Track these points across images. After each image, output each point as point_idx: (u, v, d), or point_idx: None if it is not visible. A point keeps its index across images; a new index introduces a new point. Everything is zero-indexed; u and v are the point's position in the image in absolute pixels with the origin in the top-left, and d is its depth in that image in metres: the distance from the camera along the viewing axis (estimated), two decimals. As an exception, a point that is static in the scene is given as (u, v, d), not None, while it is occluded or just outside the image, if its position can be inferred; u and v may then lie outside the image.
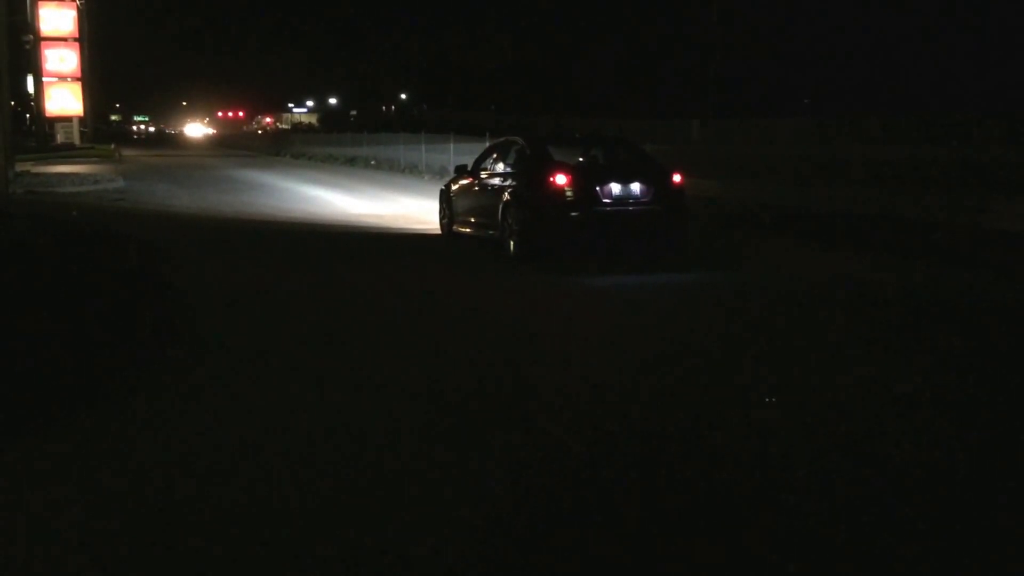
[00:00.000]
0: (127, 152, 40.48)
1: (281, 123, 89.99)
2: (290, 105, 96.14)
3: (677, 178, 10.04)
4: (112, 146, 40.75)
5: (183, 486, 3.74)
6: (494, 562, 3.14)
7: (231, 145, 58.33)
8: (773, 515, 3.51)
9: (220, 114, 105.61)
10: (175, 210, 16.54)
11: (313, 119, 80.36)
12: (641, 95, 47.03)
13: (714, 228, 13.18)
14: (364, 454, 4.13)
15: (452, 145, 25.12)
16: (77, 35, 41.47)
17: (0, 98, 18.89)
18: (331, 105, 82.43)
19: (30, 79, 42.40)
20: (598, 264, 9.79)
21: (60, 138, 41.04)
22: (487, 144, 14.42)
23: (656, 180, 9.92)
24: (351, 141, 37.19)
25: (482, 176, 11.32)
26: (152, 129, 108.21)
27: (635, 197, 9.78)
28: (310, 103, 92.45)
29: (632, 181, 9.79)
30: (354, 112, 66.94)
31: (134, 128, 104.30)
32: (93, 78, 46.21)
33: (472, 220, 11.42)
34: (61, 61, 41.03)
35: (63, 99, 41.27)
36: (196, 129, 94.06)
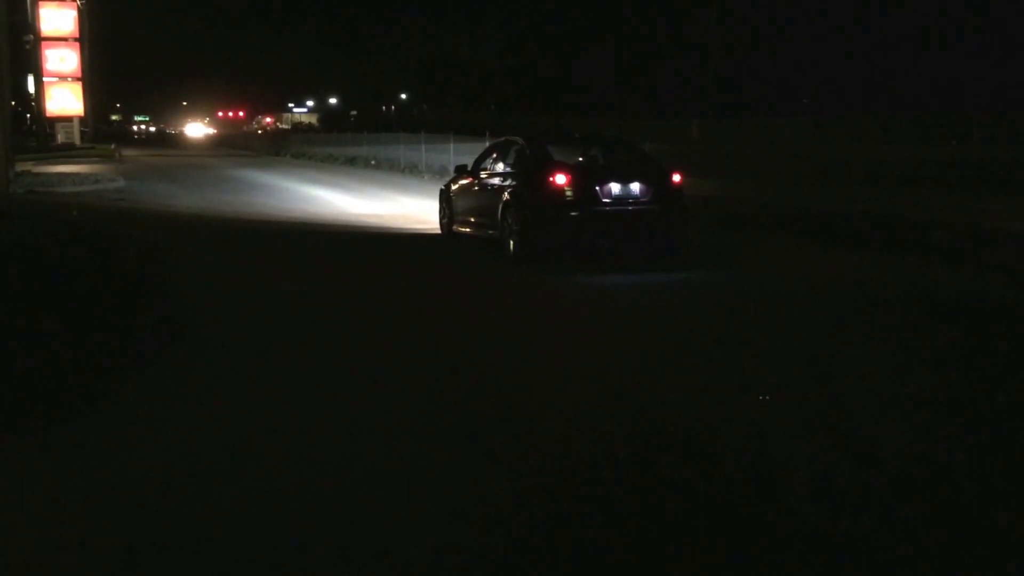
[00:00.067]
0: (127, 152, 40.50)
1: (281, 123, 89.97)
2: (290, 105, 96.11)
3: (677, 178, 10.04)
4: (112, 146, 40.77)
5: (183, 486, 3.74)
6: (494, 562, 3.15)
7: (231, 145, 58.34)
8: (773, 515, 3.51)
9: (220, 114, 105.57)
10: (175, 210, 16.55)
11: (313, 119, 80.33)
12: (641, 95, 47.01)
13: (714, 228, 13.18)
14: (364, 454, 4.13)
15: (452, 145, 25.12)
16: (78, 35, 41.49)
17: (1, 98, 18.90)
18: (331, 105, 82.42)
19: (31, 79, 42.45)
20: (598, 264, 9.80)
21: (60, 138, 41.05)
22: (487, 144, 14.42)
23: (656, 180, 9.92)
24: (351, 141, 37.18)
25: (482, 176, 11.32)
26: (152, 129, 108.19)
27: (635, 197, 9.78)
28: (310, 103, 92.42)
29: (632, 181, 9.80)
30: (354, 112, 66.95)
31: (134, 128, 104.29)
32: (94, 78, 46.24)
33: (472, 220, 11.43)
34: (61, 61, 41.05)
35: (63, 99, 41.29)
36: (197, 129, 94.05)
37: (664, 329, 6.94)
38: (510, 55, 47.83)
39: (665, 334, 6.75)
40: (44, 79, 40.66)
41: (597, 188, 9.67)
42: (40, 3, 39.99)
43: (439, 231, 12.60)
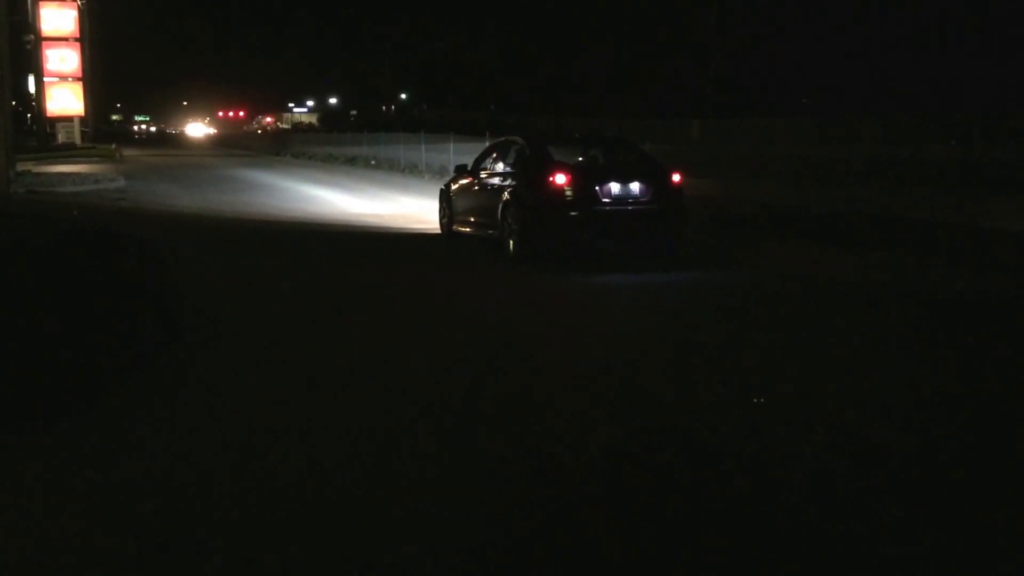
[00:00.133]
0: (128, 152, 40.52)
1: (281, 123, 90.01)
2: (290, 105, 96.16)
3: (676, 178, 10.05)
4: (113, 146, 40.80)
5: (183, 486, 3.75)
6: (494, 562, 3.15)
7: (232, 145, 58.35)
8: (773, 515, 3.52)
9: (221, 114, 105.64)
10: (176, 210, 16.55)
11: (313, 119, 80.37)
12: (641, 95, 47.04)
13: (713, 228, 13.18)
14: (365, 454, 4.13)
15: (452, 145, 25.13)
16: (78, 35, 41.53)
17: (1, 98, 18.91)
18: (331, 105, 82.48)
19: (31, 79, 42.47)
20: (598, 264, 9.80)
21: (61, 138, 41.08)
22: (487, 144, 14.43)
23: (655, 180, 9.93)
24: (351, 141, 37.20)
25: (482, 176, 11.33)
26: (153, 129, 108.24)
27: (634, 197, 9.79)
28: (310, 103, 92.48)
29: (631, 181, 9.80)
30: (354, 112, 66.99)
31: (135, 128, 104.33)
32: (94, 78, 46.28)
33: (472, 220, 11.43)
34: (62, 61, 41.08)
35: (64, 99, 41.32)
36: (197, 129, 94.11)
37: (664, 329, 6.95)
38: (510, 55, 47.83)
39: (665, 334, 6.75)
40: (45, 79, 40.70)
41: (597, 188, 9.67)
42: (41, 3, 40.02)
43: (439, 231, 12.60)
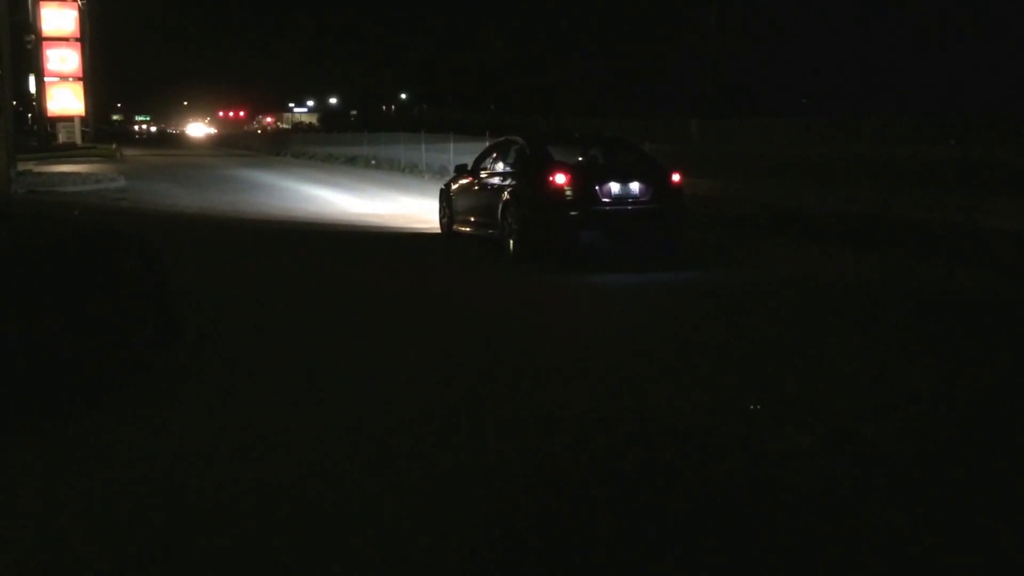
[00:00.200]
0: (129, 152, 40.56)
1: (282, 123, 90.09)
2: (291, 105, 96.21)
3: (676, 177, 10.06)
4: (113, 146, 40.84)
5: (183, 486, 3.76)
6: (495, 562, 3.16)
7: (232, 144, 58.37)
8: (773, 515, 3.53)
9: (221, 114, 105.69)
10: (176, 209, 16.56)
11: (313, 119, 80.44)
12: (641, 95, 47.04)
13: (713, 227, 13.19)
14: (365, 454, 4.14)
15: (452, 144, 25.14)
16: (79, 35, 41.54)
17: (2, 98, 18.92)
18: (331, 105, 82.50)
19: (32, 79, 42.48)
20: (597, 264, 9.81)
21: (62, 138, 41.09)
22: (487, 143, 14.45)
23: (655, 179, 9.94)
24: (351, 141, 37.21)
25: (482, 175, 11.34)
26: (154, 129, 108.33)
27: (634, 196, 9.80)
28: (310, 103, 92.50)
29: (631, 181, 9.81)
30: (354, 112, 67.02)
31: (135, 128, 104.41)
32: (95, 78, 46.32)
33: (472, 219, 11.44)
34: (63, 61, 41.09)
35: (65, 99, 41.33)
36: (198, 129, 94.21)
37: (664, 329, 6.96)
38: (510, 55, 47.83)
39: (665, 334, 6.76)
40: (45, 79, 40.71)
41: (597, 188, 9.68)
42: (41, 3, 40.03)
43: (439, 230, 12.62)
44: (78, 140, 41.05)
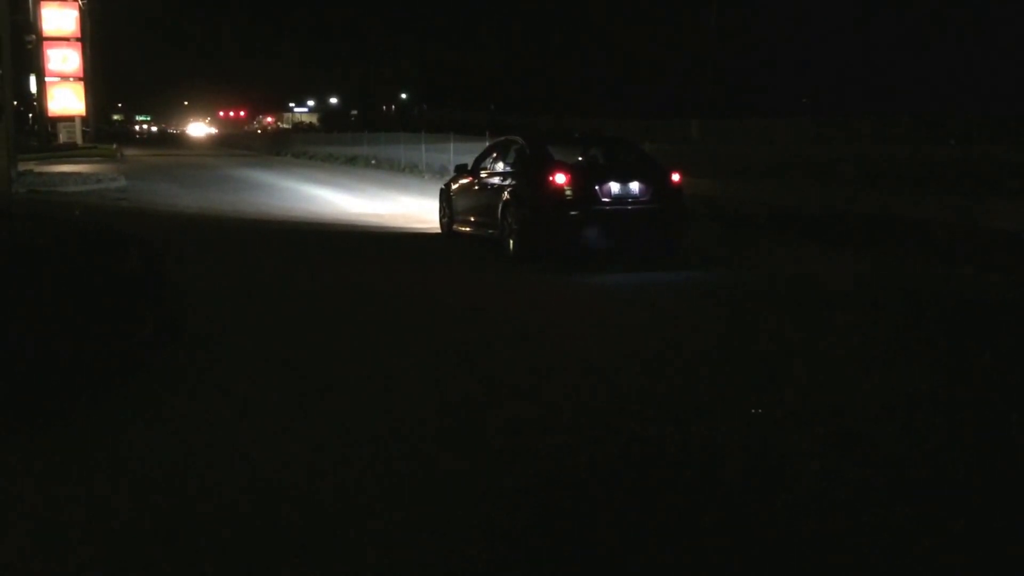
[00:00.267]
0: (129, 152, 40.55)
1: (282, 123, 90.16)
2: (291, 105, 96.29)
3: (676, 177, 10.06)
4: (114, 146, 40.85)
5: (183, 486, 3.76)
6: (495, 562, 3.16)
7: (233, 144, 58.37)
8: (773, 515, 3.53)
9: (222, 114, 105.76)
10: (177, 209, 16.57)
11: (314, 119, 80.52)
12: (641, 95, 47.06)
13: (713, 227, 13.19)
14: (365, 455, 4.14)
15: (452, 144, 25.14)
16: (79, 35, 41.59)
17: (3, 98, 18.93)
18: (331, 105, 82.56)
19: (32, 79, 42.52)
20: (597, 264, 9.81)
21: (63, 138, 41.12)
22: (487, 143, 14.45)
23: (655, 179, 9.94)
24: (351, 141, 37.23)
25: (482, 175, 11.35)
26: (154, 129, 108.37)
27: (634, 196, 9.80)
28: (311, 103, 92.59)
29: (631, 180, 9.81)
30: (354, 112, 67.06)
31: (136, 128, 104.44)
32: (95, 78, 46.37)
33: (472, 219, 11.45)
34: (63, 61, 41.13)
35: (65, 99, 41.36)
36: (198, 129, 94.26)
37: (664, 329, 6.96)
38: (510, 55, 47.86)
39: (665, 334, 6.76)
40: (46, 79, 40.76)
41: (597, 187, 9.69)
42: (42, 3, 40.07)
43: (439, 230, 12.62)
44: (79, 140, 41.07)
